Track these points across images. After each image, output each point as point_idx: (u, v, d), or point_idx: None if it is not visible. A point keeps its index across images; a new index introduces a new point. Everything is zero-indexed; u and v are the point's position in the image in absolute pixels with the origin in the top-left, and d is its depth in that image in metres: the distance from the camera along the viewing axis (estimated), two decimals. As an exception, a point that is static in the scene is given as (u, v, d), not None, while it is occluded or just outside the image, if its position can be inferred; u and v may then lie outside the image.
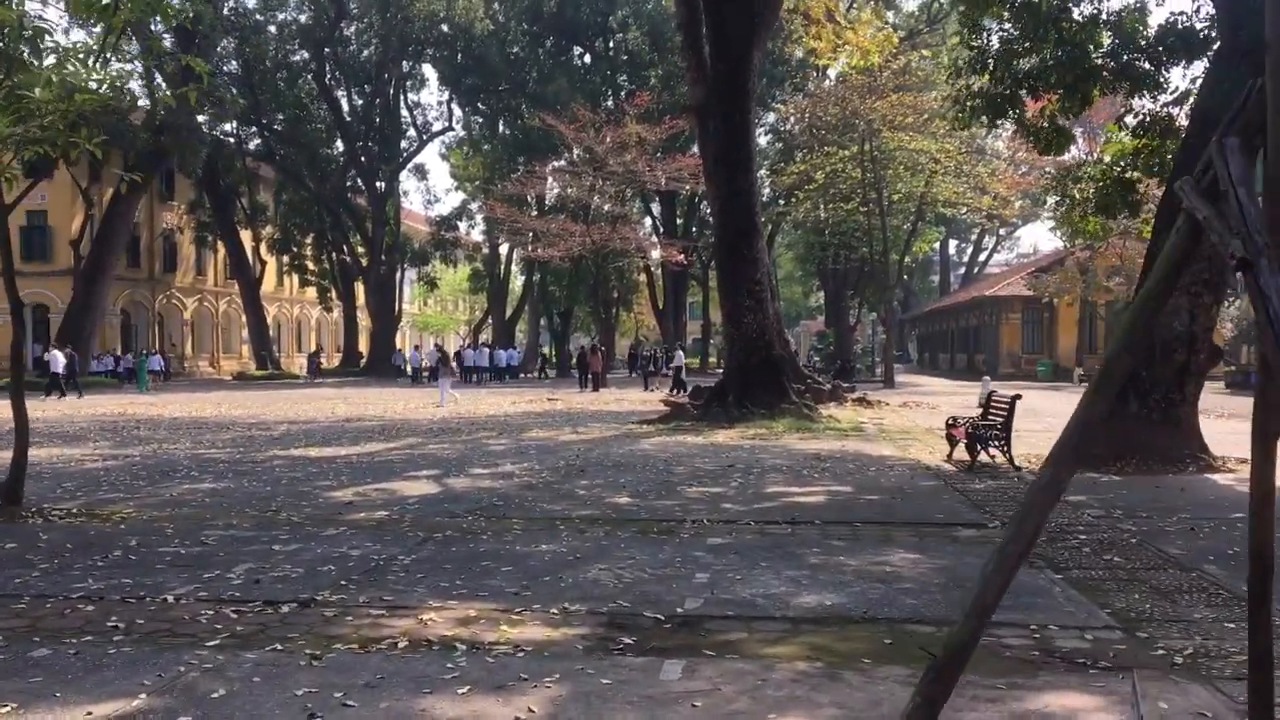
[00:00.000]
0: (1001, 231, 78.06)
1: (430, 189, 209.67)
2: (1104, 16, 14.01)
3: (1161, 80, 14.01)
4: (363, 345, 61.80)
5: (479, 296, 72.91)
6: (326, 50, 54.70)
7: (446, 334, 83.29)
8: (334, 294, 61.05)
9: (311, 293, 63.11)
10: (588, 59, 59.25)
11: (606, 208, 49.27)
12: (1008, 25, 14.51)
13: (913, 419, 22.58)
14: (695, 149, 41.40)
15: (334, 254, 58.86)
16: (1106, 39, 14.04)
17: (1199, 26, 13.60)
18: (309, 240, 59.47)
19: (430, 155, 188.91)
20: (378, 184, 57.05)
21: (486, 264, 63.96)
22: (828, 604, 6.24)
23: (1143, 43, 13.85)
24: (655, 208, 60.76)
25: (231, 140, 55.05)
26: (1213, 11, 13.37)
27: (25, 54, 8.99)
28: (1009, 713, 4.43)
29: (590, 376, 38.83)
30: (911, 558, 7.61)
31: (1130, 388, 12.99)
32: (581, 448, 16.17)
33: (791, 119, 50.13)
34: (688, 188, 47.90)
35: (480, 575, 7.03)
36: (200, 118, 47.31)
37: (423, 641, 5.47)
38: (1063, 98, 14.16)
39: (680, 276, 58.43)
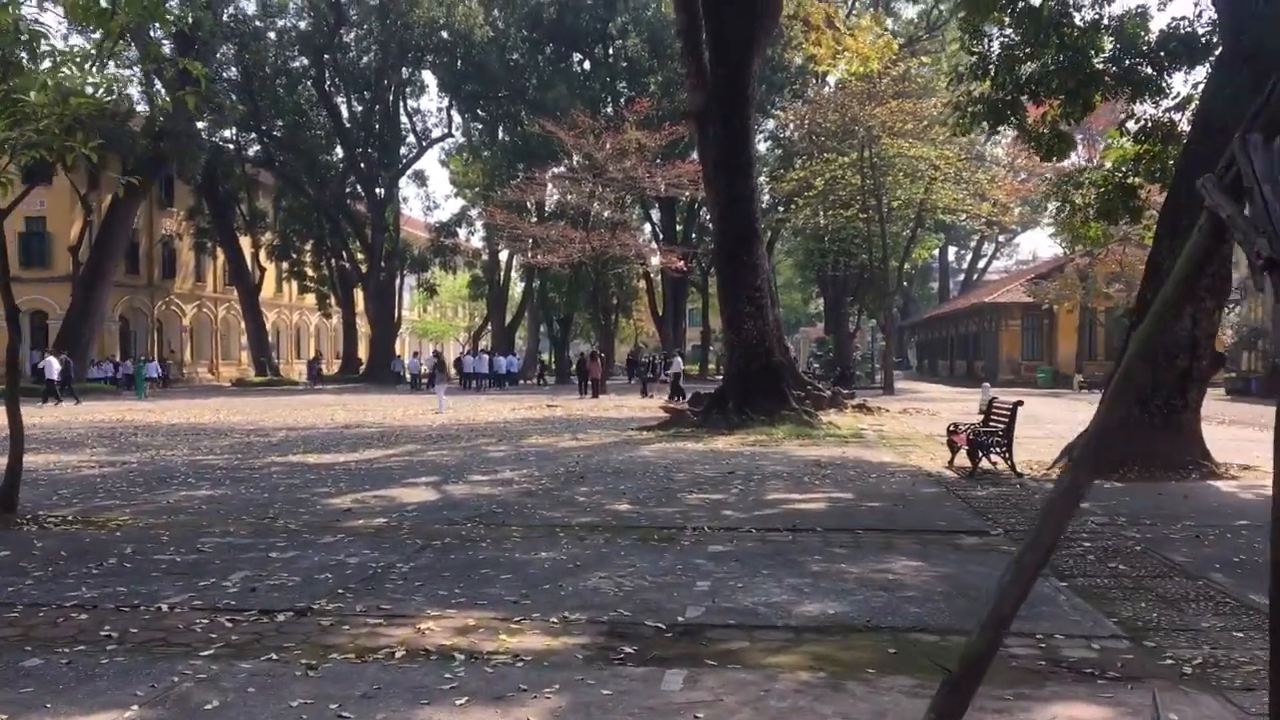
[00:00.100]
0: (1001, 238, 78.10)
1: (430, 195, 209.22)
2: (1105, 22, 13.97)
3: (1164, 85, 13.97)
4: (362, 352, 61.73)
5: (479, 303, 72.85)
6: (326, 56, 54.71)
7: (446, 341, 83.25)
8: (333, 300, 61.03)
9: (311, 299, 63.11)
10: (587, 65, 59.29)
11: (606, 214, 49.24)
12: (1009, 31, 14.47)
13: (913, 425, 22.51)
14: (695, 155, 41.40)
15: (333, 260, 58.86)
16: (1108, 44, 14.00)
17: (1201, 31, 13.56)
18: (308, 246, 59.50)
19: (430, 162, 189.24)
20: (377, 190, 57.04)
21: (486, 270, 63.92)
22: (830, 612, 6.17)
23: (1144, 48, 13.81)
24: (655, 214, 60.75)
25: (231, 146, 55.09)
26: (1215, 16, 13.34)
27: (24, 59, 8.94)
28: (1016, 724, 4.35)
29: (590, 383, 38.75)
30: (914, 565, 7.54)
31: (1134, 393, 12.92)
32: (581, 454, 16.10)
33: (791, 125, 50.09)
34: (687, 194, 47.90)
35: (479, 583, 6.96)
36: (199, 124, 47.34)
37: (420, 651, 5.40)
38: (1064, 103, 14.12)
39: (680, 283, 58.38)
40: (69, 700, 4.67)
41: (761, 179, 47.73)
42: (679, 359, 38.66)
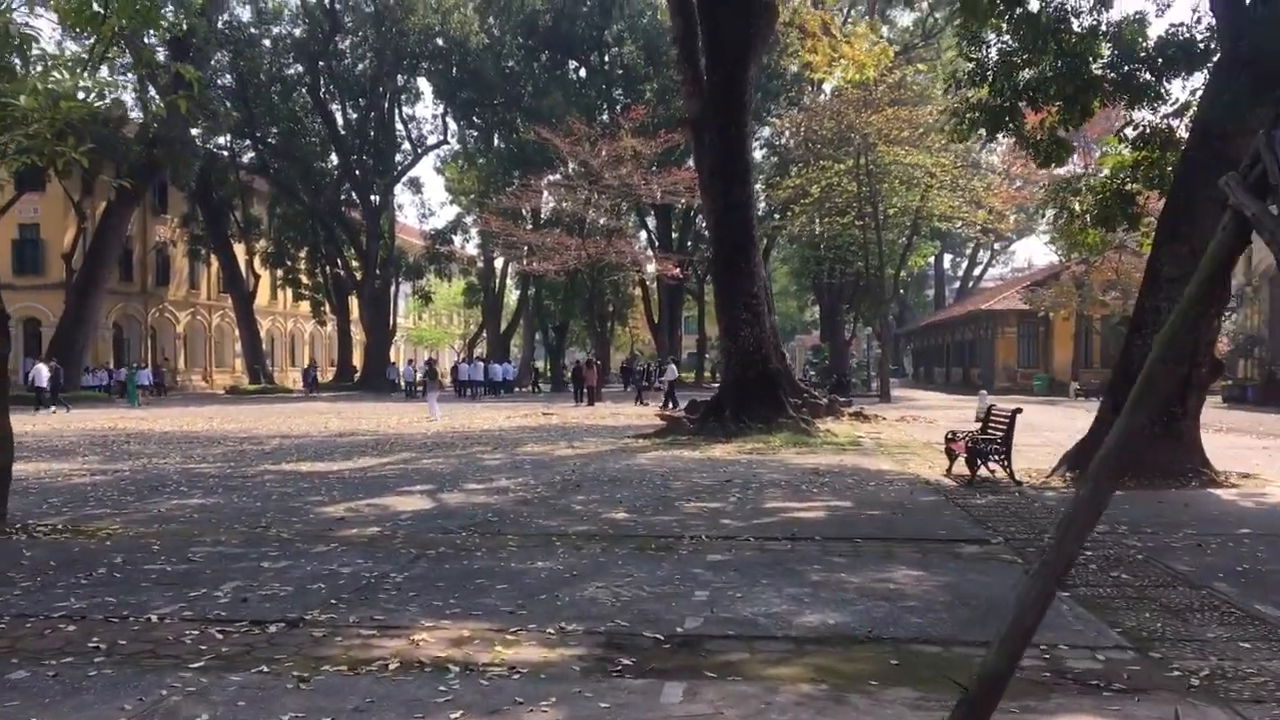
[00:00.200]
0: (996, 246, 78.21)
1: (425, 203, 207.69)
2: (1103, 28, 13.92)
3: (1162, 91, 13.92)
4: (356, 359, 61.58)
5: (474, 310, 72.73)
6: (321, 64, 54.62)
7: (441, 348, 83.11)
8: (328, 308, 60.87)
9: (305, 307, 62.97)
10: (583, 73, 59.33)
11: (602, 221, 49.16)
12: (1006, 37, 14.43)
13: (910, 433, 22.44)
14: (691, 162, 41.26)
15: (328, 268, 58.73)
16: (1106, 50, 13.94)
17: (1199, 37, 13.51)
18: (303, 254, 59.38)
19: (425, 169, 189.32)
20: (372, 198, 56.94)
21: (481, 278, 63.83)
22: (831, 623, 6.08)
23: (1143, 54, 13.76)
24: (651, 221, 60.73)
25: (225, 153, 54.97)
26: (1213, 22, 13.30)
27: (16, 63, 8.86)
28: (1023, 738, 4.27)
29: (585, 391, 38.64)
30: (915, 574, 7.45)
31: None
32: (577, 462, 16.00)
33: (787, 133, 50.15)
34: (683, 201, 47.84)
35: (474, 594, 6.86)
36: (194, 131, 47.23)
37: (415, 663, 5.30)
38: (1063, 109, 14.06)
39: (676, 290, 58.34)
40: (55, 714, 4.57)
41: (757, 186, 47.68)
42: (673, 366, 38.56)
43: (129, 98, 45.05)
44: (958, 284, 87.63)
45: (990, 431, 13.78)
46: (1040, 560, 2.48)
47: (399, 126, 60.71)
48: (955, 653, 5.48)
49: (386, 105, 58.09)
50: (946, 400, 42.43)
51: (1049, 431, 21.09)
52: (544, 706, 4.61)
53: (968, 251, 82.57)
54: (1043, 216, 38.95)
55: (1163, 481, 12.39)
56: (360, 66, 57.46)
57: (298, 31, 56.34)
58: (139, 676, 5.09)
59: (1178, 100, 14.45)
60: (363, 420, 28.11)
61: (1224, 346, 40.51)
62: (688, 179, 41.17)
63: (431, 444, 19.76)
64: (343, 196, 58.19)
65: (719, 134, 22.20)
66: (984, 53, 14.59)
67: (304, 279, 59.88)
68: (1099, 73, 14.00)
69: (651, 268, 53.92)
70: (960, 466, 13.78)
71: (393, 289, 60.43)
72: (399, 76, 57.46)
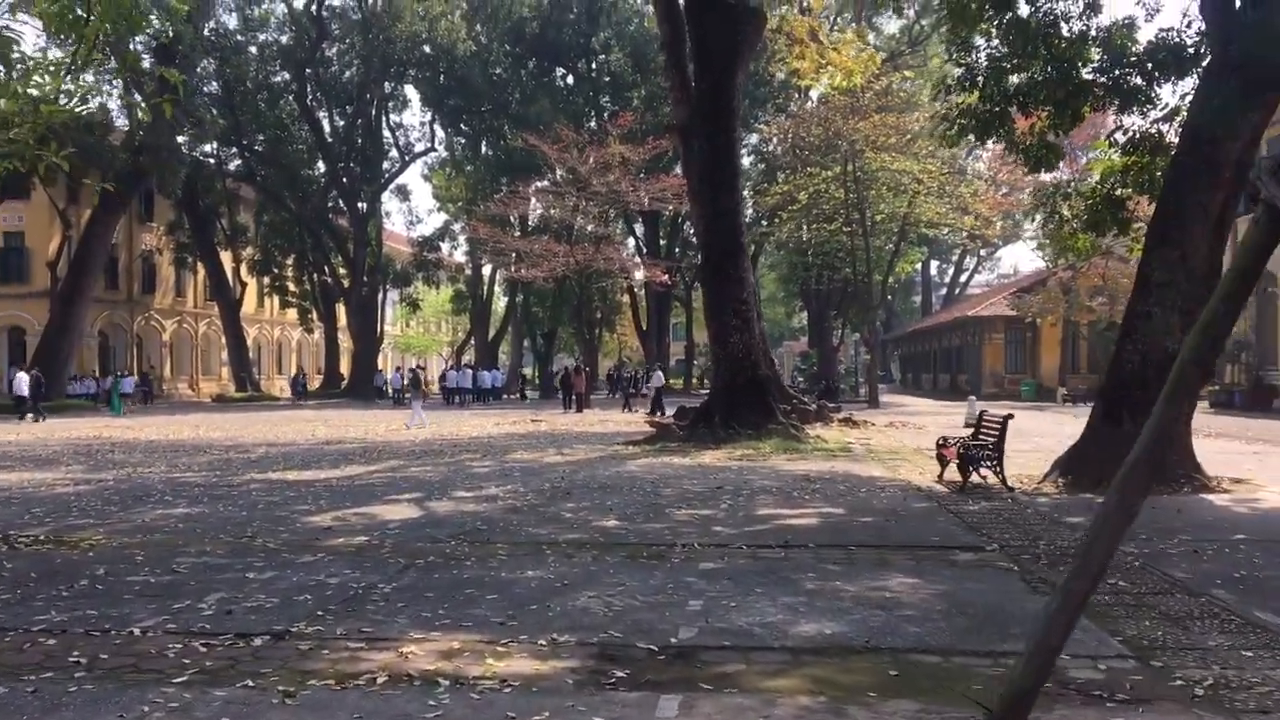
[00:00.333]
0: (983, 252, 78.42)
1: (413, 210, 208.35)
2: (1093, 33, 13.92)
3: (1152, 96, 13.92)
4: (344, 367, 61.33)
5: (462, 318, 72.56)
6: (308, 71, 54.46)
7: (429, 355, 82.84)
8: (315, 315, 60.64)
9: (292, 314, 62.70)
10: (570, 80, 59.30)
11: (590, 228, 49.12)
12: (996, 42, 14.41)
13: (900, 439, 22.39)
14: (679, 169, 41.34)
15: (315, 275, 58.50)
16: (1096, 55, 13.94)
17: (1189, 42, 13.51)
18: (290, 261, 59.17)
19: (413, 176, 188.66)
20: (359, 205, 56.76)
21: (469, 285, 63.69)
22: (828, 633, 5.98)
23: (1133, 59, 13.76)
24: (639, 228, 60.68)
25: (211, 161, 54.81)
26: (1203, 27, 13.30)
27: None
28: (1027, 751, 4.17)
29: (574, 397, 38.53)
30: (910, 582, 7.36)
31: (1124, 407, 12.82)
32: (567, 469, 15.89)
33: (774, 140, 50.17)
34: (671, 208, 47.83)
35: (464, 604, 6.74)
36: (180, 138, 47.10)
37: (403, 676, 5.18)
38: (1053, 114, 14.05)
39: (664, 297, 58.28)
40: (32, 732, 4.44)
41: (745, 193, 47.71)
42: (659, 373, 38.44)
43: (114, 105, 44.91)
44: (944, 290, 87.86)
45: (982, 437, 13.72)
46: (1066, 577, 2.39)
47: (386, 134, 60.70)
48: (955, 663, 5.39)
49: (374, 112, 57.96)
50: (934, 406, 42.44)
51: (1038, 437, 21.06)
52: (537, 721, 4.50)
53: (954, 258, 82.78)
54: (1033, 221, 38.96)
55: (1155, 487, 12.31)
56: (347, 74, 57.34)
57: (284, 39, 56.23)
58: (120, 692, 4.96)
59: (1167, 105, 14.46)
60: (350, 428, 27.92)
61: (1211, 352, 40.64)
62: (676, 186, 41.15)
63: (420, 451, 19.62)
64: (330, 204, 58.02)
65: (707, 141, 22.15)
66: (973, 58, 14.57)
67: (291, 286, 59.66)
68: (1089, 77, 14.00)
69: (639, 274, 53.85)
70: (952, 472, 13.71)
71: (380, 296, 60.21)
72: (386, 84, 57.35)
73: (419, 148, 63.42)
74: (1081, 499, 11.91)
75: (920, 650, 5.61)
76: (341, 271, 57.73)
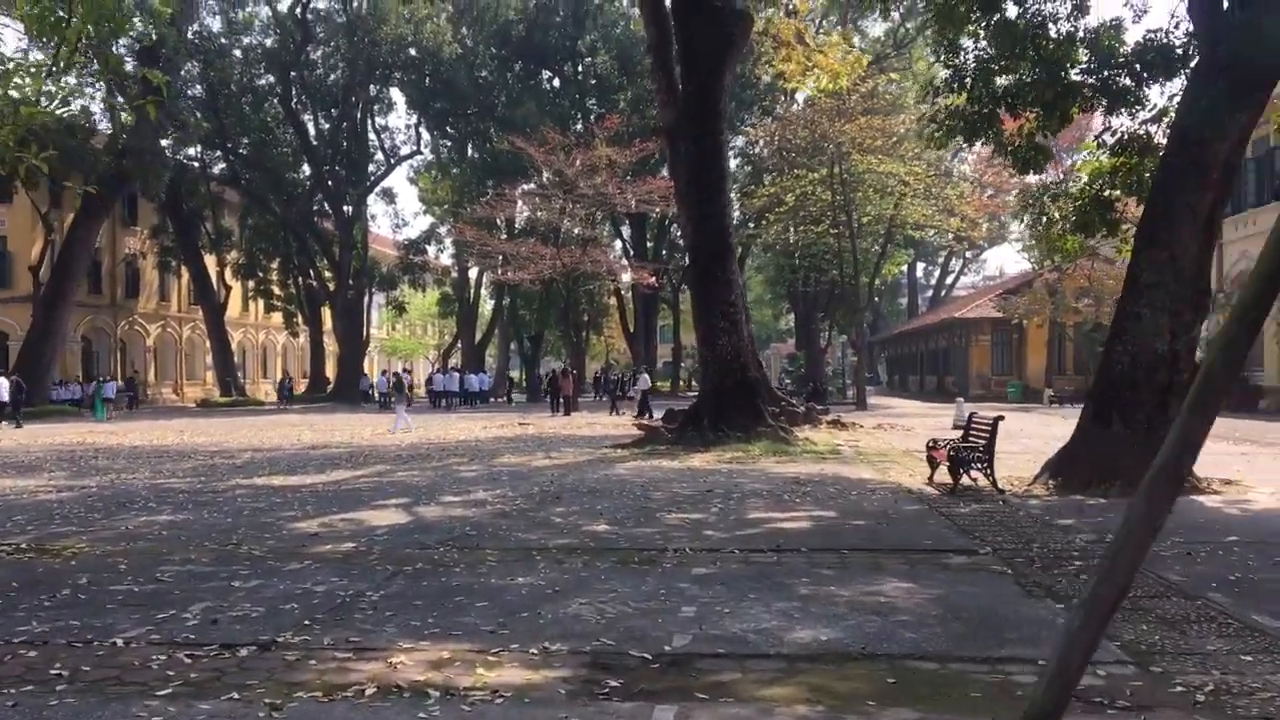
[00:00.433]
0: (969, 254, 78.70)
1: (399, 213, 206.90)
2: (1081, 34, 13.92)
3: (1141, 97, 13.92)
4: (329, 371, 61.04)
5: (448, 321, 72.35)
6: (293, 74, 54.21)
7: (416, 359, 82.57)
8: (300, 319, 60.35)
9: (277, 318, 62.42)
10: (556, 83, 59.22)
11: (577, 230, 49.02)
12: (984, 44, 14.40)
13: (888, 441, 22.37)
14: (665, 171, 41.30)
15: (300, 279, 58.25)
16: (1084, 56, 13.94)
17: (1177, 43, 13.53)
18: (275, 265, 58.89)
19: (398, 179, 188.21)
20: (345, 208, 56.52)
21: (456, 288, 63.50)
22: (823, 639, 5.91)
23: (1121, 60, 13.76)
24: (626, 230, 60.65)
25: (196, 164, 54.50)
26: (1191, 28, 13.31)
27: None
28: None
29: (561, 400, 38.39)
30: (905, 587, 7.29)
31: (1114, 409, 12.80)
32: (555, 473, 15.79)
33: (761, 142, 50.17)
34: (658, 210, 47.80)
35: (453, 612, 6.64)
36: (164, 141, 46.77)
37: (392, 687, 5.07)
38: (1041, 115, 14.05)
39: (651, 299, 58.23)
40: (11, 748, 4.33)
41: (732, 195, 47.71)
42: (645, 376, 38.30)
43: (98, 108, 44.60)
44: (930, 292, 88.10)
45: (972, 439, 13.68)
46: (1087, 594, 2.31)
47: (372, 137, 60.48)
48: (952, 669, 5.32)
49: (359, 115, 57.76)
50: (922, 408, 42.48)
51: (1026, 439, 21.06)
52: (530, 733, 4.41)
53: (940, 260, 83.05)
54: (1020, 223, 39.05)
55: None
56: (332, 77, 57.12)
57: (269, 41, 55.99)
58: (103, 705, 4.85)
59: (1156, 106, 14.47)
60: (336, 432, 27.75)
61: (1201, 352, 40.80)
62: (662, 188, 41.11)
63: (407, 456, 19.48)
64: (315, 207, 57.78)
65: (694, 143, 22.08)
66: (961, 59, 14.56)
67: (276, 290, 59.38)
68: (1077, 78, 14.00)
69: (626, 277, 53.81)
70: (942, 475, 13.67)
71: (366, 300, 59.97)
72: (371, 87, 57.19)
73: (405, 150, 63.31)
74: (1072, 501, 11.87)
75: (917, 656, 5.53)
76: (327, 275, 57.50)
